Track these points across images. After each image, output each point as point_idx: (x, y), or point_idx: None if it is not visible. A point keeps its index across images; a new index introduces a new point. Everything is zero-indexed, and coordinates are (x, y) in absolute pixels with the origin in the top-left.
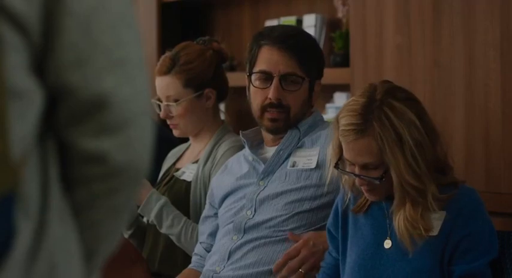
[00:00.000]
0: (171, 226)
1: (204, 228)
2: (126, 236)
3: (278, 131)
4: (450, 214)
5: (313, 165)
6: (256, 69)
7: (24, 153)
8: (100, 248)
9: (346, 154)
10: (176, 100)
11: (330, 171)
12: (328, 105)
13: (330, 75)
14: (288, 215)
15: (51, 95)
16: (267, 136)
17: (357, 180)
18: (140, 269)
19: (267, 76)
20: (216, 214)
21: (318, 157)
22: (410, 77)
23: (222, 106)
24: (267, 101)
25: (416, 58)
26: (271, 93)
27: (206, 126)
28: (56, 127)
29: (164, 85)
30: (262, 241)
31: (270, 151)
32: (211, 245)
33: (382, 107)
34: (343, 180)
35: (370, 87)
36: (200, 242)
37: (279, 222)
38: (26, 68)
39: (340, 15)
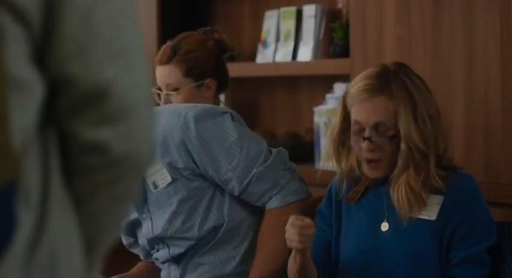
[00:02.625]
0: None
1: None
2: None
3: None
4: (448, 198)
5: (169, 179)
6: None
7: (25, 143)
8: (101, 239)
9: (357, 116)
10: (176, 89)
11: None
12: (328, 96)
13: (330, 65)
14: (195, 231)
15: (52, 85)
16: None
17: (365, 144)
18: (138, 259)
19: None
20: None
21: (167, 168)
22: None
23: (222, 97)
24: None
25: (416, 49)
26: None
27: None
28: (57, 118)
29: (164, 74)
30: (201, 258)
31: None
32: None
33: (398, 74)
34: (341, 166)
35: (380, 64)
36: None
37: (195, 244)
38: (26, 59)
39: (340, 5)
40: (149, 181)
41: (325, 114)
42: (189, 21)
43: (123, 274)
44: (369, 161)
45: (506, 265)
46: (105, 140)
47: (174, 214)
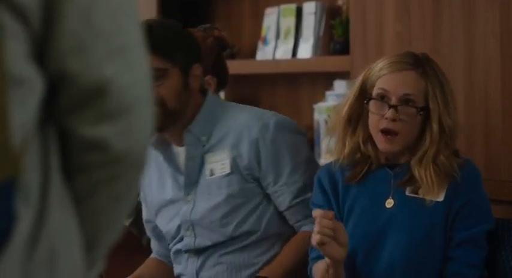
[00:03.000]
0: None
1: (150, 235)
2: (126, 224)
3: (163, 129)
4: (454, 181)
5: (228, 170)
6: None
7: (25, 140)
8: (102, 237)
9: (385, 85)
10: None
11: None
12: (328, 93)
13: (330, 62)
14: (229, 229)
15: (52, 83)
16: (169, 137)
17: (389, 112)
18: (140, 257)
19: None
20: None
21: (230, 161)
22: None
23: (222, 95)
24: None
25: (416, 46)
26: None
27: None
28: (57, 115)
29: None
30: (222, 257)
31: (180, 152)
32: (167, 251)
33: (428, 60)
34: (337, 146)
35: (407, 51)
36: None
37: (224, 241)
38: (26, 56)
39: (340, 2)
40: (207, 167)
41: (325, 111)
42: (189, 18)
43: (134, 274)
44: (386, 133)
45: (506, 262)
46: (105, 137)
47: (218, 206)
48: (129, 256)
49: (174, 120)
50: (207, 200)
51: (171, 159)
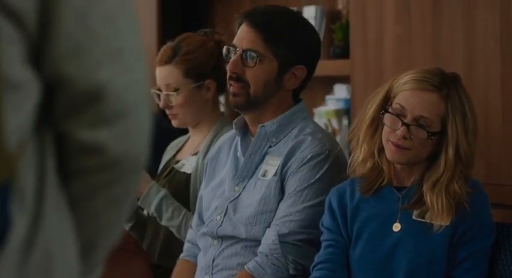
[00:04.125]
0: (171, 218)
1: (198, 207)
2: (126, 228)
3: (239, 107)
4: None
5: (271, 175)
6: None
7: (21, 144)
8: (100, 241)
9: (404, 102)
10: (176, 90)
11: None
12: (328, 97)
13: (330, 66)
14: (251, 230)
15: (48, 86)
16: (248, 122)
17: (401, 129)
18: (140, 262)
19: (234, 51)
20: None
21: (277, 167)
22: (410, 68)
23: (221, 99)
24: (228, 74)
25: (417, 49)
26: (229, 65)
27: (205, 118)
28: (53, 119)
29: (164, 74)
30: (239, 247)
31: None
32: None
33: (455, 82)
34: (356, 151)
35: (437, 68)
36: (191, 227)
37: (245, 239)
38: (22, 59)
39: (340, 6)
40: (263, 167)
41: (325, 116)
42: (189, 22)
43: None
44: (395, 144)
45: (506, 267)
46: (102, 141)
47: (251, 205)
48: (129, 261)
49: (253, 106)
50: (250, 197)
51: (243, 144)
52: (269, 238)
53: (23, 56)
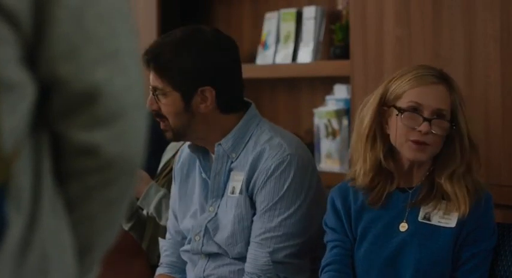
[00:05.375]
0: None
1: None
2: (125, 229)
3: (174, 140)
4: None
5: (238, 191)
6: None
7: (16, 146)
8: (97, 242)
9: (417, 98)
10: None
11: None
12: (328, 97)
13: (330, 67)
14: (233, 249)
15: (44, 87)
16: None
17: (424, 125)
18: (140, 262)
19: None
20: None
21: (242, 182)
22: None
23: None
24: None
25: (417, 50)
26: (147, 105)
27: None
28: (49, 120)
29: None
30: (228, 259)
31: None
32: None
33: (446, 74)
34: (359, 163)
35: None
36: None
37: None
38: (17, 61)
39: (340, 7)
40: (230, 184)
41: (325, 116)
42: (189, 22)
43: None
44: (418, 142)
45: (506, 267)
46: (98, 142)
47: (227, 225)
48: (128, 261)
49: (184, 136)
50: (226, 216)
51: (206, 164)
52: (259, 259)
53: (18, 57)
